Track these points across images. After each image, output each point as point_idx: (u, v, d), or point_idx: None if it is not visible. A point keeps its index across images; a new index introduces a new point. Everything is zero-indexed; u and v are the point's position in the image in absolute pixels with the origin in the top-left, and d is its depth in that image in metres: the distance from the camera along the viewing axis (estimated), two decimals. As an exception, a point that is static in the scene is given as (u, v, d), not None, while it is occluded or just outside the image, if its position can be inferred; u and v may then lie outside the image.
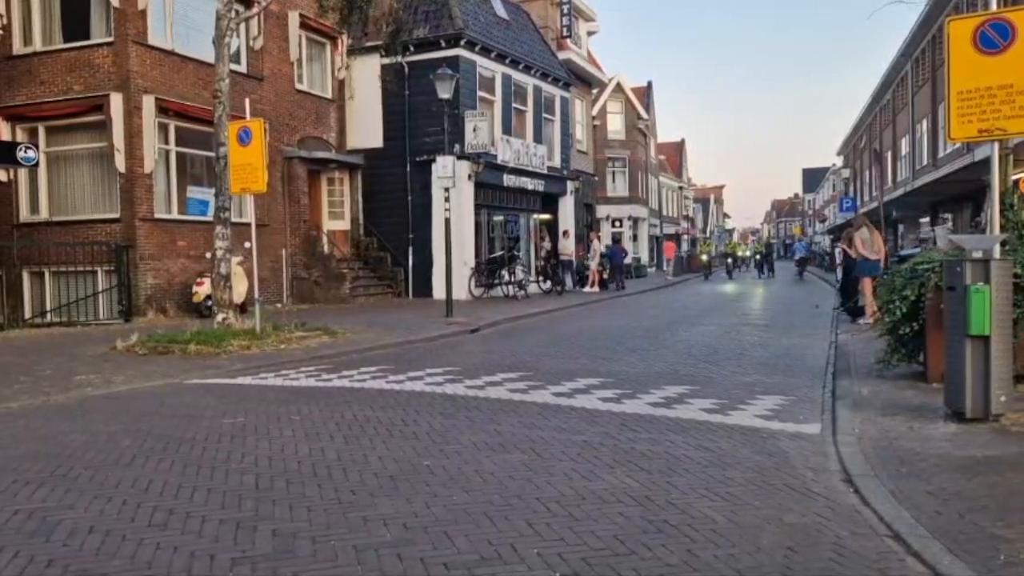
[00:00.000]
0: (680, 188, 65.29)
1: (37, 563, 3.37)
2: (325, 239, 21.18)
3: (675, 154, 66.25)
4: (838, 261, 22.81)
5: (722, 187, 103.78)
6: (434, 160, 18.02)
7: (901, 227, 35.23)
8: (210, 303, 13.48)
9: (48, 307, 16.08)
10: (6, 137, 16.21)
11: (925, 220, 30.68)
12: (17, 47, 16.55)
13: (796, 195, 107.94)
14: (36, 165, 15.52)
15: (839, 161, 63.85)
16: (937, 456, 4.99)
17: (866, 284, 13.17)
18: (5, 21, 16.23)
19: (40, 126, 16.56)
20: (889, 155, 36.90)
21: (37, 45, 16.60)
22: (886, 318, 7.85)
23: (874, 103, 40.33)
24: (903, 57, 31.31)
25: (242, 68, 18.26)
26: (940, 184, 21.73)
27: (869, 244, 13.42)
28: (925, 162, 28.74)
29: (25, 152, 14.53)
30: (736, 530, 3.79)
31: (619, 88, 42.43)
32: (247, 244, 12.63)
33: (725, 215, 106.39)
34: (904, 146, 33.72)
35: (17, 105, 16.39)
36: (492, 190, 22.96)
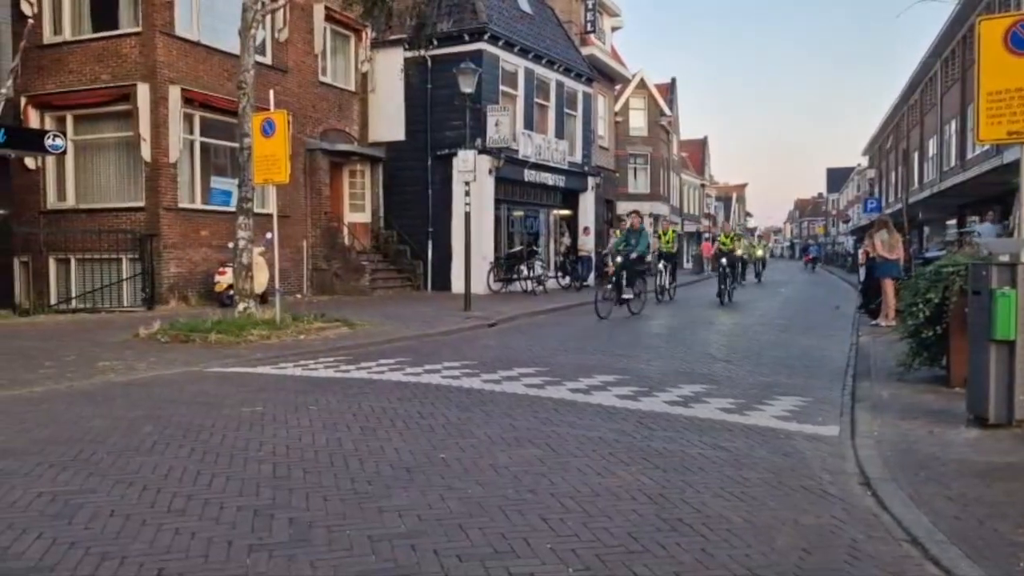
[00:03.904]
0: (702, 186, 64.94)
1: (60, 545, 3.43)
2: (346, 231, 21.28)
3: (698, 152, 65.88)
4: (860, 262, 22.63)
5: (744, 186, 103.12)
6: (455, 154, 18.05)
7: (927, 229, 34.82)
8: (231, 292, 13.59)
9: (73, 293, 16.29)
10: (35, 125, 16.42)
11: (952, 222, 30.30)
12: (47, 36, 16.75)
13: (820, 195, 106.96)
14: (64, 153, 15.70)
15: (864, 161, 63.19)
16: (957, 461, 4.94)
17: (887, 285, 13.05)
18: (36, 10, 16.42)
19: (68, 114, 16.77)
20: (916, 156, 36.46)
21: (67, 34, 16.79)
22: (908, 321, 7.77)
23: (902, 103, 39.84)
24: (932, 57, 30.89)
25: (267, 60, 18.37)
26: (967, 186, 21.47)
27: (888, 245, 13.30)
28: (953, 163, 28.37)
29: (53, 140, 14.71)
30: (751, 530, 3.78)
31: (642, 84, 42.22)
32: (269, 235, 12.72)
33: (747, 214, 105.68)
34: (932, 147, 33.30)
35: (46, 93, 16.61)
36: (512, 185, 22.96)
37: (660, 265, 19.88)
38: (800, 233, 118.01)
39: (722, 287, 19.18)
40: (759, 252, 32.32)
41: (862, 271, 22.44)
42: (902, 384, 7.65)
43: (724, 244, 21.20)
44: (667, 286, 19.79)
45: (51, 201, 16.94)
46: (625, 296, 15.49)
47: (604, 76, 32.34)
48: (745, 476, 4.67)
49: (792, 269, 58.47)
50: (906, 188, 28.08)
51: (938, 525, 3.81)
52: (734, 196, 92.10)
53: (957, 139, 27.98)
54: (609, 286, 15.58)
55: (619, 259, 15.55)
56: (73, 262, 16.48)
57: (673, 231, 21.69)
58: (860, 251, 22.68)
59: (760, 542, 3.64)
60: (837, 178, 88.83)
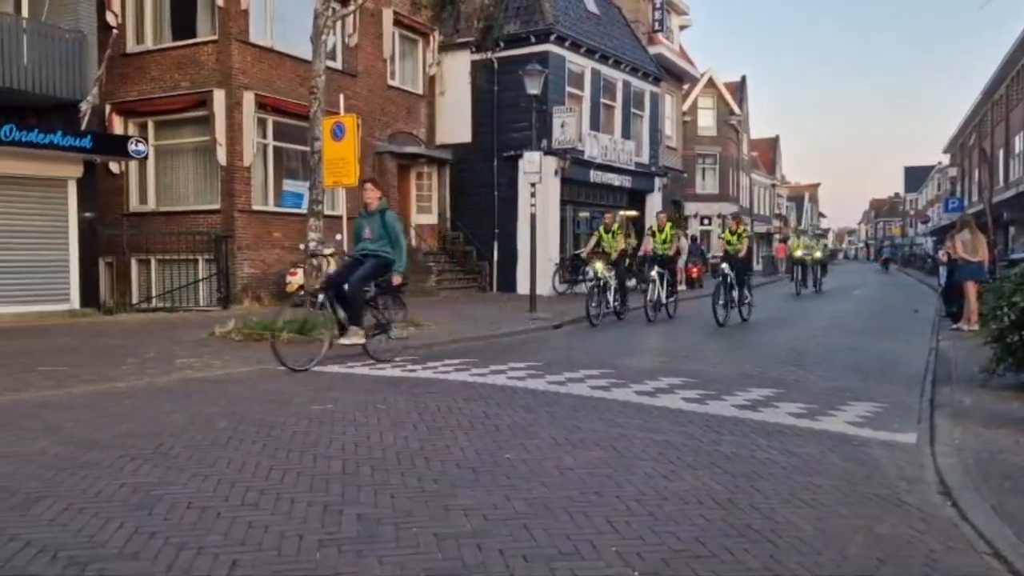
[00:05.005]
0: (773, 186, 63.58)
1: (140, 534, 3.56)
2: (413, 232, 21.55)
3: (769, 151, 64.51)
4: (942, 262, 21.80)
5: (817, 185, 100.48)
6: (521, 155, 18.10)
7: (1012, 229, 33.32)
8: (302, 293, 13.89)
9: (153, 293, 16.92)
10: (119, 131, 17.12)
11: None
12: (130, 45, 17.46)
13: (896, 194, 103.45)
14: (145, 158, 16.32)
15: (945, 159, 60.84)
16: (1044, 472, 4.72)
17: (969, 288, 12.55)
18: (120, 21, 17.13)
19: (149, 120, 17.45)
20: (1001, 153, 34.93)
21: (148, 43, 17.48)
22: (992, 325, 7.45)
23: (985, 99, 38.23)
24: (1019, 51, 29.57)
25: (337, 64, 18.74)
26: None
27: (971, 246, 12.79)
28: (1040, 161, 27.11)
29: (136, 145, 15.29)
30: (822, 538, 3.68)
31: (711, 83, 41.61)
32: (338, 236, 12.98)
33: (820, 214, 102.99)
34: (1018, 143, 31.85)
35: (129, 100, 17.31)
36: (578, 186, 22.90)
37: (653, 273, 14.86)
38: (875, 234, 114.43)
39: (717, 303, 13.90)
40: (817, 253, 26.17)
41: (943, 273, 21.64)
42: (985, 391, 7.34)
43: (729, 243, 15.17)
44: (663, 300, 14.94)
45: (133, 204, 17.64)
46: (615, 304, 14.36)
47: (672, 75, 31.98)
48: (816, 483, 4.55)
49: (866, 271, 56.78)
50: (990, 187, 26.93)
51: (1023, 538, 3.65)
52: (806, 196, 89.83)
53: (1045, 135, 26.73)
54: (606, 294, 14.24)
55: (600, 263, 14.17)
56: (153, 262, 17.12)
57: (672, 227, 15.78)
58: (941, 253, 21.87)
59: (831, 550, 3.54)
60: (915, 177, 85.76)
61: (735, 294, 14.51)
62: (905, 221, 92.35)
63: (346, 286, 8.75)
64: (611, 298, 14.32)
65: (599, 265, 14.06)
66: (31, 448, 5.10)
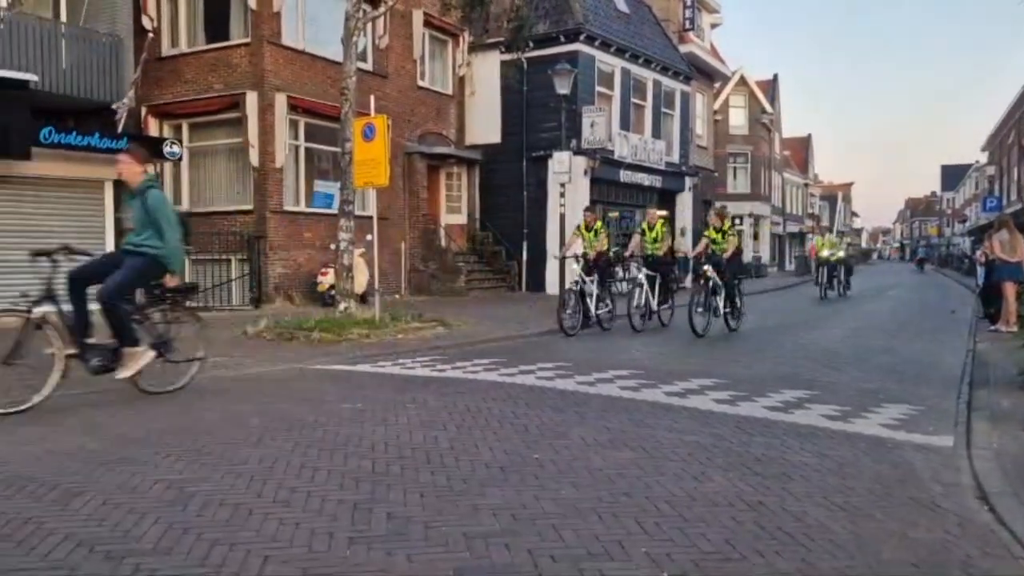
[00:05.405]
0: (805, 185, 62.86)
1: (175, 530, 3.62)
2: (442, 232, 21.63)
3: (801, 150, 63.80)
4: (980, 262, 21.40)
5: (851, 184, 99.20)
6: (550, 155, 18.11)
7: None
8: (333, 292, 14.04)
9: (187, 292, 17.15)
10: (154, 133, 17.40)
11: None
12: (165, 49, 17.73)
13: (933, 193, 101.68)
14: (180, 160, 16.56)
15: (983, 157, 59.64)
16: (1085, 477, 4.61)
17: (1008, 289, 12.31)
18: (156, 24, 17.40)
19: (184, 122, 17.70)
20: (1041, 151, 34.18)
21: (183, 46, 17.74)
22: (1031, 326, 7.30)
23: (1025, 95, 37.42)
24: (1059, 45, 28.91)
25: (368, 66, 18.87)
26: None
27: (1009, 246, 12.54)
28: (1082, 159, 26.47)
29: (171, 147, 15.52)
30: (855, 542, 3.63)
31: (742, 81, 41.28)
32: (369, 237, 13.07)
33: (853, 213, 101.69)
34: (1058, 141, 31.16)
35: (164, 103, 17.57)
36: (608, 186, 22.83)
37: (641, 276, 13.29)
38: (911, 234, 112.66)
39: (695, 311, 12.05)
40: (840, 252, 24.33)
41: (980, 273, 21.25)
42: (1024, 393, 7.20)
43: (714, 242, 13.07)
44: (654, 307, 13.37)
45: (168, 205, 17.88)
46: (598, 312, 12.77)
47: (703, 74, 31.76)
48: (849, 486, 4.50)
49: (901, 271, 55.92)
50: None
51: (1063, 544, 3.57)
52: (839, 195, 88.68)
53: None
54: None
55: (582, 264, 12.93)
56: (187, 262, 17.35)
57: (663, 224, 14.05)
58: (979, 253, 21.46)
59: (865, 554, 3.49)
60: (952, 175, 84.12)
61: (719, 300, 12.45)
62: (942, 220, 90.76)
63: (99, 296, 6.34)
64: (592, 305, 12.64)
65: (576, 268, 12.69)
66: (70, 444, 5.21)
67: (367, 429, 5.72)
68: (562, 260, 15.14)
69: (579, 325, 12.31)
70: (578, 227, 13.47)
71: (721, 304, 12.49)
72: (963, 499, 4.35)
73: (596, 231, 13.23)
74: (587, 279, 12.64)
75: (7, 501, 4.02)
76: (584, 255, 12.96)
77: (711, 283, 12.37)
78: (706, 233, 13.46)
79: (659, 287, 13.35)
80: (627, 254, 13.17)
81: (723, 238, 12.90)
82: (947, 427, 6.07)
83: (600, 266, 12.92)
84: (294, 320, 11.98)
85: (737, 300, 12.95)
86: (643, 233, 13.85)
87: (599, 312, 12.75)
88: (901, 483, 4.59)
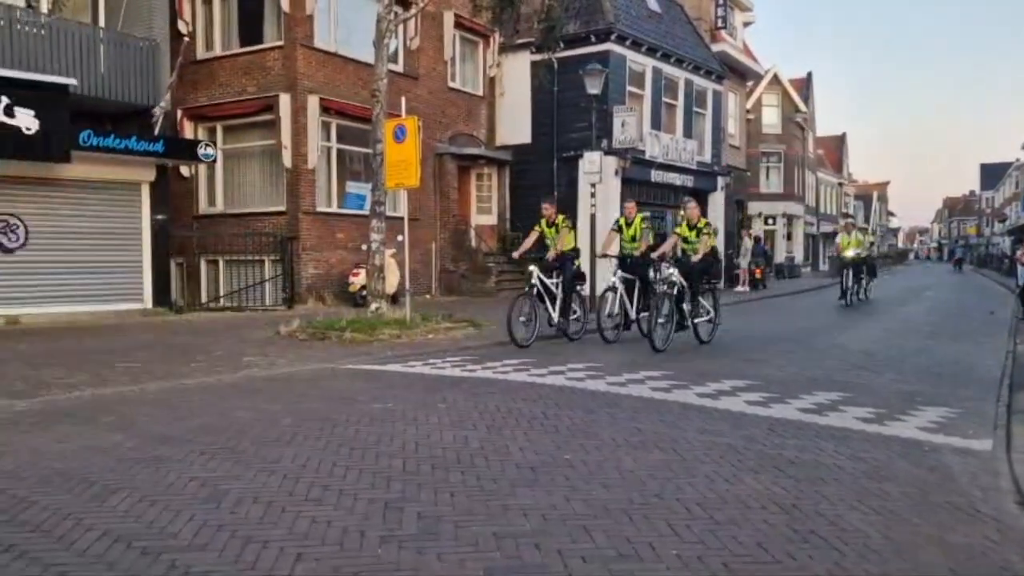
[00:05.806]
0: (840, 184, 62.00)
1: (209, 527, 3.67)
2: (473, 233, 21.68)
3: (835, 149, 62.94)
4: (1021, 263, 20.95)
5: (887, 183, 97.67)
6: (581, 156, 18.06)
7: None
8: (364, 293, 14.15)
9: (221, 292, 17.41)
10: (189, 135, 17.67)
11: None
12: (200, 52, 17.98)
13: (971, 192, 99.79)
14: (214, 161, 16.78)
15: None
16: None
17: (1050, 290, 12.02)
18: (191, 28, 17.68)
19: (218, 125, 17.95)
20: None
21: (217, 50, 17.98)
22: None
23: (1067, 91, 36.58)
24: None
25: (399, 68, 18.98)
26: None
27: (1054, 246, 12.24)
28: None
29: (205, 149, 15.74)
30: (890, 546, 3.58)
31: (775, 80, 40.81)
32: (400, 237, 13.13)
33: (890, 213, 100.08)
34: (1102, 138, 30.38)
35: (199, 105, 17.84)
36: (639, 186, 22.69)
37: (615, 279, 11.55)
38: (949, 234, 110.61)
39: (656, 321, 10.38)
40: (862, 252, 20.67)
41: (1021, 273, 20.78)
42: (1066, 397, 7.03)
43: (687, 241, 11.31)
44: (633, 316, 11.59)
45: (203, 206, 18.17)
46: (562, 321, 11.39)
47: (735, 73, 31.47)
48: (885, 489, 4.42)
49: (938, 271, 54.93)
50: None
51: (1107, 552, 3.48)
52: (875, 195, 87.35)
53: None
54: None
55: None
56: (222, 263, 17.61)
57: (644, 220, 12.05)
58: (1019, 252, 21.02)
59: (900, 559, 3.43)
60: (992, 174, 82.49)
61: (686, 308, 10.74)
62: (981, 220, 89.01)
63: None
64: (553, 312, 11.24)
65: (533, 269, 11.25)
66: (108, 441, 5.31)
67: (398, 428, 5.75)
68: (592, 260, 15.11)
69: (534, 333, 10.92)
70: (539, 222, 12.04)
71: (688, 313, 10.81)
72: (1002, 503, 4.26)
73: (557, 226, 11.73)
74: (548, 281, 11.23)
75: (46, 497, 4.11)
76: (542, 258, 11.54)
77: (678, 288, 10.63)
78: (677, 230, 11.72)
79: (638, 292, 11.64)
80: (656, 255, 11.53)
81: (696, 236, 11.09)
82: (986, 431, 5.95)
83: (564, 266, 11.48)
84: (326, 320, 12.09)
85: (709, 308, 11.34)
86: (620, 229, 12.02)
87: (561, 320, 11.39)
88: (938, 487, 4.51)
